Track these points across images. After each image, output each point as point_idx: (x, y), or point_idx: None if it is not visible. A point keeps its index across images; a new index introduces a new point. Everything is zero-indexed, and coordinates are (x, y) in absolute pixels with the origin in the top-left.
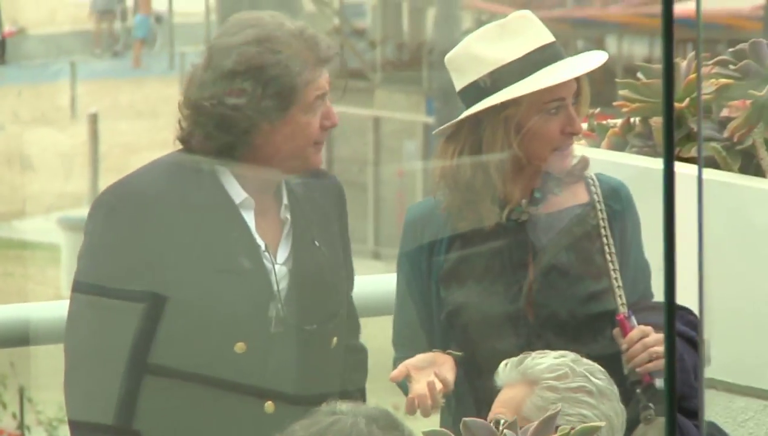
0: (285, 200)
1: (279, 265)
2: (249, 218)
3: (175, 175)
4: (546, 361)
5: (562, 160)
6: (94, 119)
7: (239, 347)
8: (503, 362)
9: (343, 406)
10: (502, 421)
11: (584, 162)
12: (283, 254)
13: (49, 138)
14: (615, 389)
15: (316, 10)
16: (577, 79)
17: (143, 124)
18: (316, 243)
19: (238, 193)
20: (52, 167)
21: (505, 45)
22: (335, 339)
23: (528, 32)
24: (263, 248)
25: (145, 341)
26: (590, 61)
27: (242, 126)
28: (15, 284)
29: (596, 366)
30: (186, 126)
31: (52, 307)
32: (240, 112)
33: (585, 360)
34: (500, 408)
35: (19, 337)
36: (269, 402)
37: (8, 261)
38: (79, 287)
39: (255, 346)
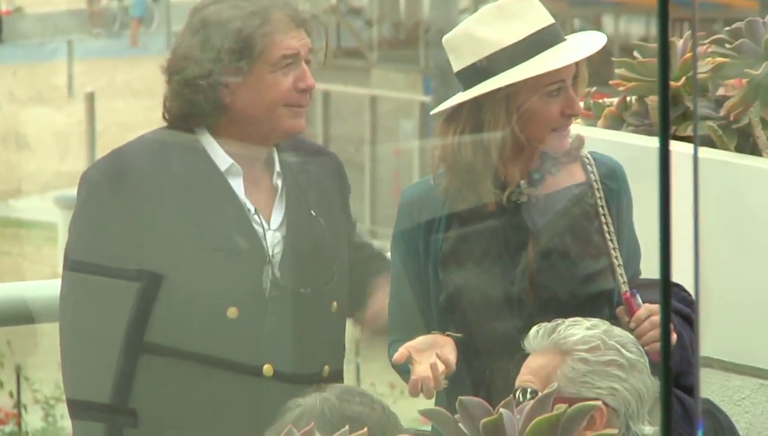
0: (277, 168)
1: (272, 230)
2: (237, 184)
3: (160, 148)
4: (579, 332)
5: (561, 141)
6: (90, 98)
7: (231, 312)
8: (535, 328)
9: (307, 397)
10: (529, 390)
11: (579, 141)
12: (276, 219)
13: (46, 117)
14: (646, 360)
15: None
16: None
17: (140, 103)
18: (312, 213)
19: (223, 160)
20: (49, 146)
21: (504, 27)
22: (335, 304)
23: (528, 14)
24: (253, 212)
25: (138, 315)
26: (591, 43)
27: (209, 84)
28: (11, 263)
29: (628, 337)
30: (167, 99)
31: (49, 285)
32: (205, 68)
33: (617, 331)
34: (529, 375)
35: (16, 315)
36: (267, 366)
37: (4, 240)
38: (68, 265)
39: (248, 310)
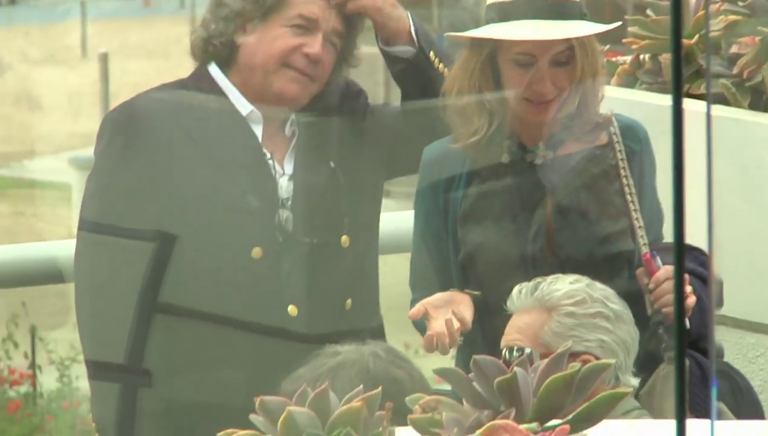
0: (292, 115)
1: (285, 176)
2: (258, 130)
3: (182, 93)
4: (563, 287)
5: (535, 113)
6: (104, 59)
7: (256, 252)
8: (517, 288)
9: (346, 346)
10: (515, 348)
11: (608, 119)
12: (289, 166)
13: (59, 78)
14: (629, 312)
15: None
16: (573, 45)
17: (153, 63)
18: (332, 164)
19: (244, 105)
20: (62, 107)
21: None
22: (345, 238)
23: None
24: (269, 157)
25: (154, 272)
26: (570, 29)
27: (229, 20)
28: (26, 223)
29: (610, 290)
30: (194, 33)
31: (63, 246)
32: (228, 9)
33: (598, 285)
34: (515, 334)
35: (31, 276)
36: (292, 306)
37: (19, 200)
38: (83, 222)
39: (269, 251)
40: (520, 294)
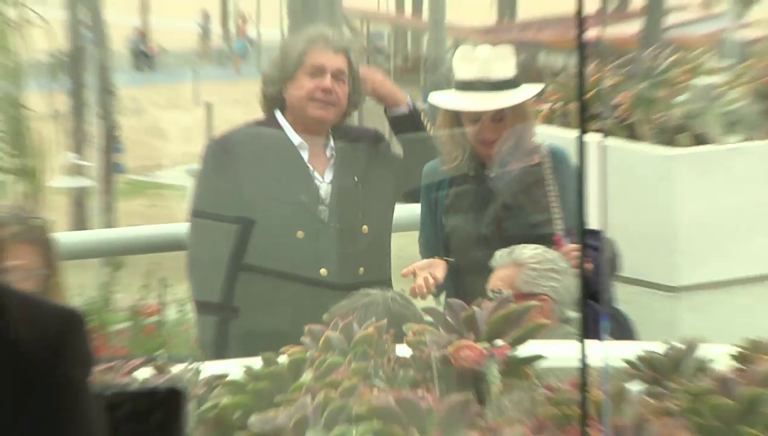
0: (331, 143)
1: (325, 183)
2: (304, 154)
3: (257, 128)
4: (528, 251)
5: (486, 149)
6: (209, 107)
7: (299, 234)
8: (498, 252)
9: (374, 290)
10: (498, 290)
11: (538, 147)
12: (328, 177)
13: (178, 118)
14: (570, 269)
15: (351, 35)
16: (505, 107)
17: (241, 109)
18: (355, 178)
19: (295, 138)
20: (180, 136)
21: (467, 64)
22: (365, 227)
23: (490, 62)
24: (313, 170)
25: (238, 245)
26: (504, 99)
27: (277, 83)
28: (159, 212)
29: (557, 254)
30: (263, 94)
31: (182, 227)
32: (275, 73)
33: (551, 251)
34: (498, 282)
35: (161, 245)
36: (323, 269)
37: (153, 197)
38: (192, 211)
39: (310, 233)
40: (501, 256)
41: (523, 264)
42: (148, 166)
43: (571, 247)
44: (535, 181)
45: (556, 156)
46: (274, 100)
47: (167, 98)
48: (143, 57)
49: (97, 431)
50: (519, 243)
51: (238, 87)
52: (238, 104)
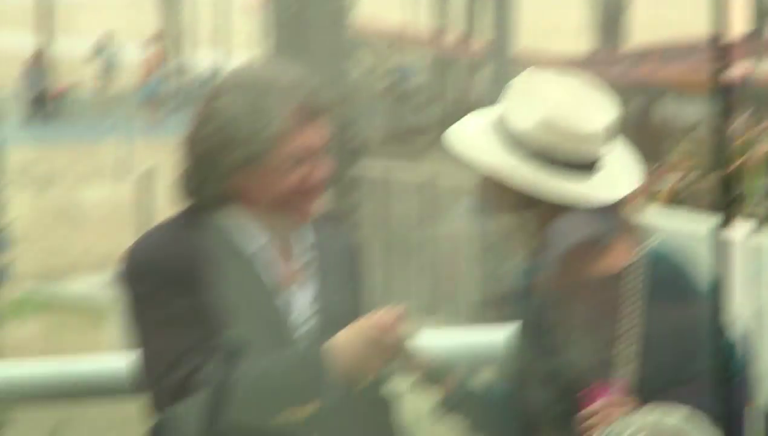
0: (311, 239)
1: (297, 310)
2: (264, 266)
3: (190, 236)
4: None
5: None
6: (149, 175)
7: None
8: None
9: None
10: None
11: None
12: (305, 297)
13: (103, 195)
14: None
15: (371, 66)
16: None
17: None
18: (341, 291)
19: (251, 242)
20: (103, 225)
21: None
22: None
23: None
24: (280, 292)
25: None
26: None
27: (224, 173)
28: (65, 341)
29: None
30: (184, 178)
31: (98, 360)
32: (222, 155)
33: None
34: None
35: (80, 389)
36: None
37: (56, 318)
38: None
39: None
40: None
41: None
42: (52, 269)
43: (615, 401)
44: (605, 298)
45: (658, 260)
46: (217, 190)
47: (82, 163)
48: (39, 104)
49: None
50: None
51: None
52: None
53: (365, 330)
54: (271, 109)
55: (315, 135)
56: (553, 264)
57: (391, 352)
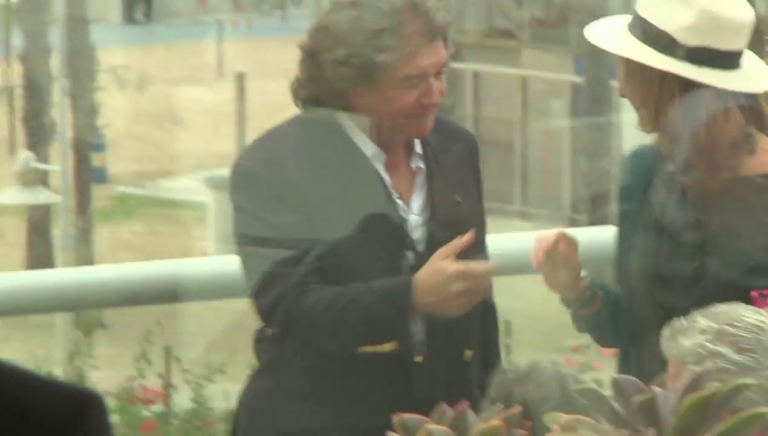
0: (418, 149)
1: (414, 215)
2: (382, 170)
3: (307, 137)
4: (687, 342)
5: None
6: (240, 78)
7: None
8: (664, 332)
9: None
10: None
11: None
12: (417, 203)
13: (196, 97)
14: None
15: None
16: None
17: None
18: (457, 198)
19: (368, 146)
20: (199, 126)
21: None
22: None
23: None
24: (397, 197)
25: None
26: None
27: (338, 87)
28: (161, 243)
29: (742, 334)
30: (303, 81)
31: (198, 264)
32: (335, 72)
33: (730, 331)
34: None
35: (166, 294)
36: (418, 356)
37: (155, 220)
38: (243, 242)
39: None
40: (665, 341)
41: (681, 362)
42: (145, 172)
43: None
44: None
45: None
46: (332, 101)
47: (178, 65)
48: (136, 4)
49: None
50: (723, 297)
51: (285, 48)
52: (287, 75)
53: (450, 278)
54: (389, 29)
55: (432, 56)
56: (705, 160)
57: (476, 298)
